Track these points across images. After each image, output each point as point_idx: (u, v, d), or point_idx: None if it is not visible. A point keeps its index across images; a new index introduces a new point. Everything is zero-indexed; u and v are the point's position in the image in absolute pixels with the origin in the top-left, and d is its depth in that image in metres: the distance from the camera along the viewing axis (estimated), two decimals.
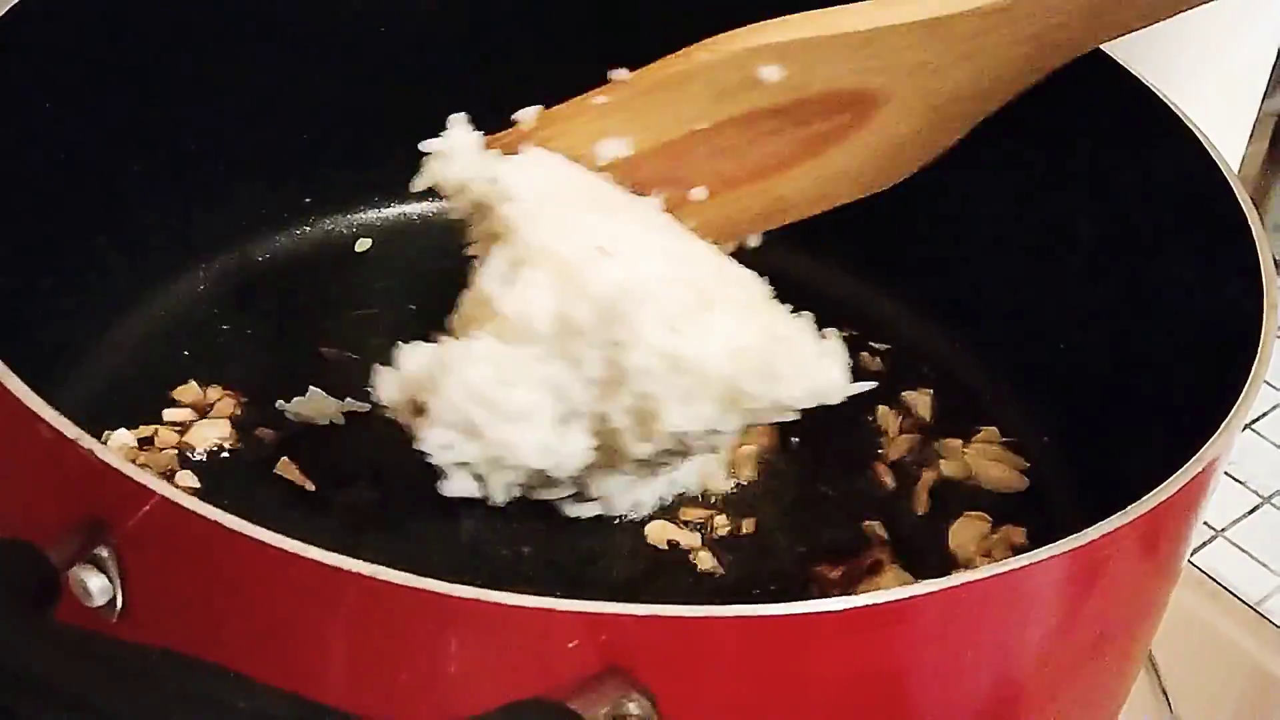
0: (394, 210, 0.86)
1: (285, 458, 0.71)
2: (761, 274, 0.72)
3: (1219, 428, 0.55)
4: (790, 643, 0.47)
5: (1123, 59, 0.73)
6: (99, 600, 0.48)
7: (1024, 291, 0.79)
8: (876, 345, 0.82)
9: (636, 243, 0.64)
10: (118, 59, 0.74)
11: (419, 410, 0.64)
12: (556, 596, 0.45)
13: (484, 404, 0.63)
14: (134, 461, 0.61)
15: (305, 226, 0.84)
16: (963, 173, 0.81)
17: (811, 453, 0.76)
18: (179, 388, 0.73)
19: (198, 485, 0.69)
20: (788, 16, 0.69)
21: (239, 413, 0.73)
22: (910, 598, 0.47)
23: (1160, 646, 0.74)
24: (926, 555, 0.71)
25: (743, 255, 0.74)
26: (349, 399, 0.72)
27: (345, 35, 0.82)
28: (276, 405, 0.69)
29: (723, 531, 0.70)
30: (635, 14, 0.84)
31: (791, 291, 0.82)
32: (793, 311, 0.79)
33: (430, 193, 0.86)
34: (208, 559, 0.47)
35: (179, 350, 0.76)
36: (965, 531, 0.72)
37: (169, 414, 0.72)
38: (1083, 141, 0.76)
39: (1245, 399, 0.56)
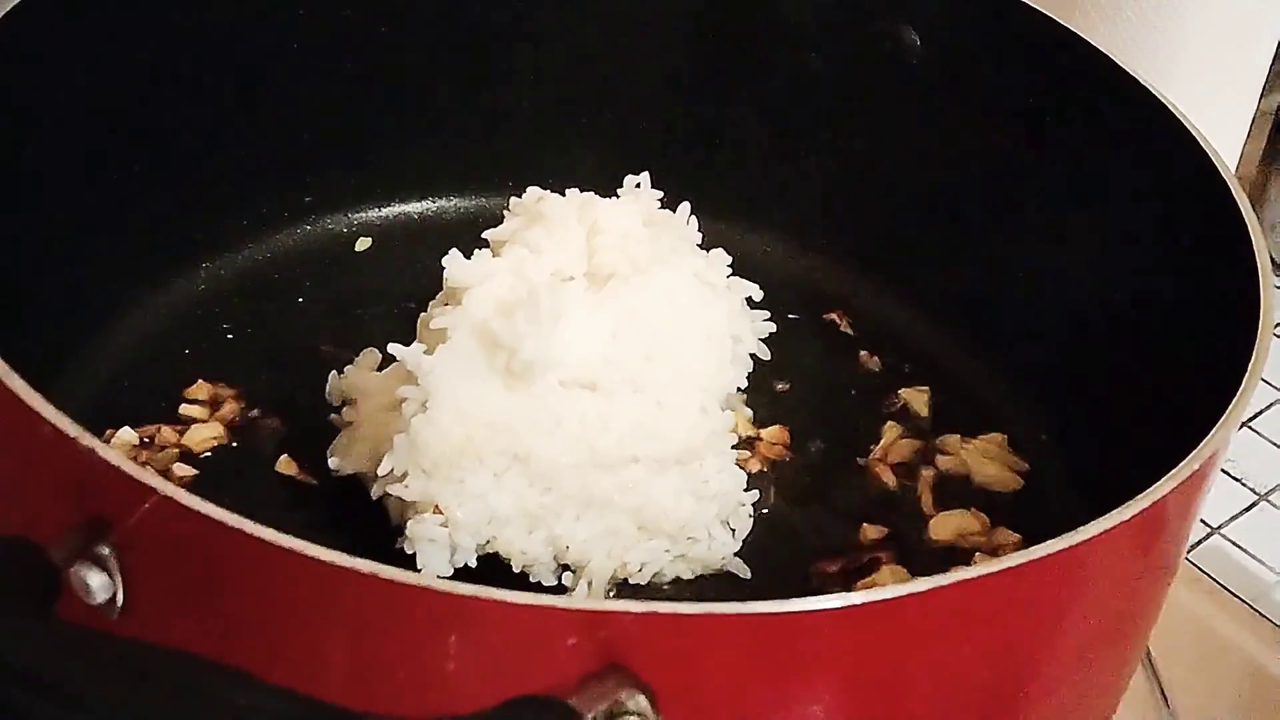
0: (394, 210, 0.86)
1: (286, 455, 0.71)
2: (762, 272, 0.73)
3: (1216, 424, 0.55)
4: (788, 639, 0.47)
5: (1121, 59, 0.73)
6: (100, 598, 0.48)
7: (1022, 290, 0.79)
8: (875, 343, 0.82)
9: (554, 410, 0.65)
10: (118, 59, 0.74)
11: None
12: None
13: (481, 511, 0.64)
14: (135, 460, 0.62)
15: (305, 226, 0.84)
16: (961, 173, 0.81)
17: (813, 451, 0.76)
18: (190, 386, 0.74)
19: (198, 483, 0.69)
20: None
21: (239, 411, 0.73)
22: (907, 595, 0.47)
23: (1158, 643, 0.74)
24: (925, 553, 0.72)
25: (743, 255, 0.74)
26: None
27: (346, 35, 0.82)
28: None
29: None
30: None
31: (791, 290, 0.82)
32: (791, 311, 0.80)
33: (430, 192, 0.87)
34: (208, 557, 0.47)
35: (179, 350, 0.76)
36: (947, 523, 0.72)
37: (177, 412, 0.72)
38: (1081, 141, 0.76)
39: (1242, 396, 0.56)
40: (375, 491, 0.66)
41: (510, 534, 0.65)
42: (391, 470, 0.64)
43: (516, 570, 0.65)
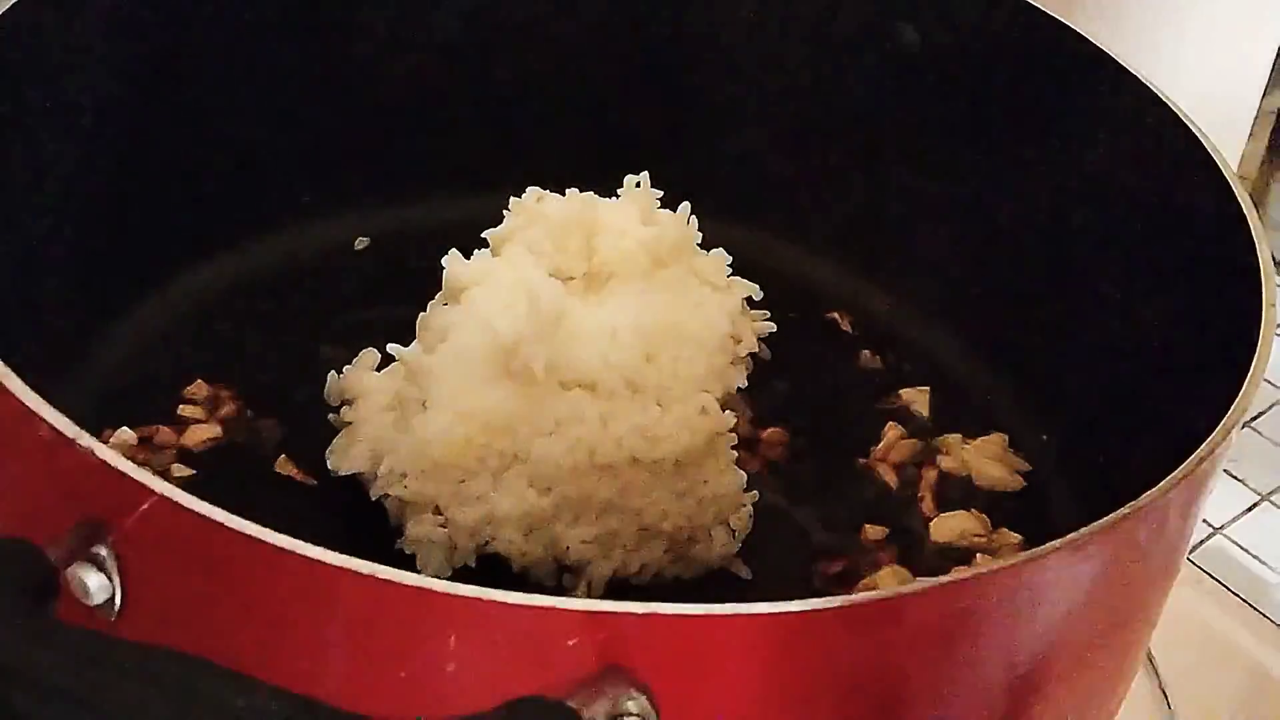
0: (394, 210, 0.86)
1: (285, 455, 0.71)
2: (762, 272, 0.73)
3: (1217, 425, 0.55)
4: (789, 640, 0.47)
5: (1123, 58, 0.73)
6: (98, 599, 0.48)
7: (1024, 290, 0.79)
8: (875, 343, 0.82)
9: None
10: (119, 61, 0.74)
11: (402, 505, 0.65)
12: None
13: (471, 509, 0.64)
14: (134, 460, 0.61)
15: (305, 226, 0.84)
16: (963, 173, 0.81)
17: (815, 451, 0.76)
18: (189, 386, 0.73)
19: (197, 483, 0.69)
20: None
21: (238, 411, 0.73)
22: (907, 595, 0.47)
23: (1159, 644, 0.74)
24: (926, 554, 0.72)
25: (743, 255, 0.74)
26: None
27: (345, 35, 0.82)
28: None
29: None
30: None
31: (791, 289, 0.82)
32: (791, 311, 0.80)
33: (430, 192, 0.87)
34: (207, 557, 0.47)
35: (179, 350, 0.76)
36: (948, 525, 0.72)
37: (176, 412, 0.72)
38: (1082, 140, 0.76)
39: (1244, 396, 0.56)
40: (375, 492, 0.66)
41: (510, 535, 0.64)
42: (391, 470, 0.64)
43: (516, 571, 0.65)
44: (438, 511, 0.64)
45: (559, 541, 0.65)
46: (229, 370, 0.75)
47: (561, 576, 0.66)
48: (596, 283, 0.67)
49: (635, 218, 0.69)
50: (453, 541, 0.64)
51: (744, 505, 0.69)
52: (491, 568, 0.65)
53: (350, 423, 0.69)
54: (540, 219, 0.69)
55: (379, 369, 0.70)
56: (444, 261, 0.67)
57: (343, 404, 0.70)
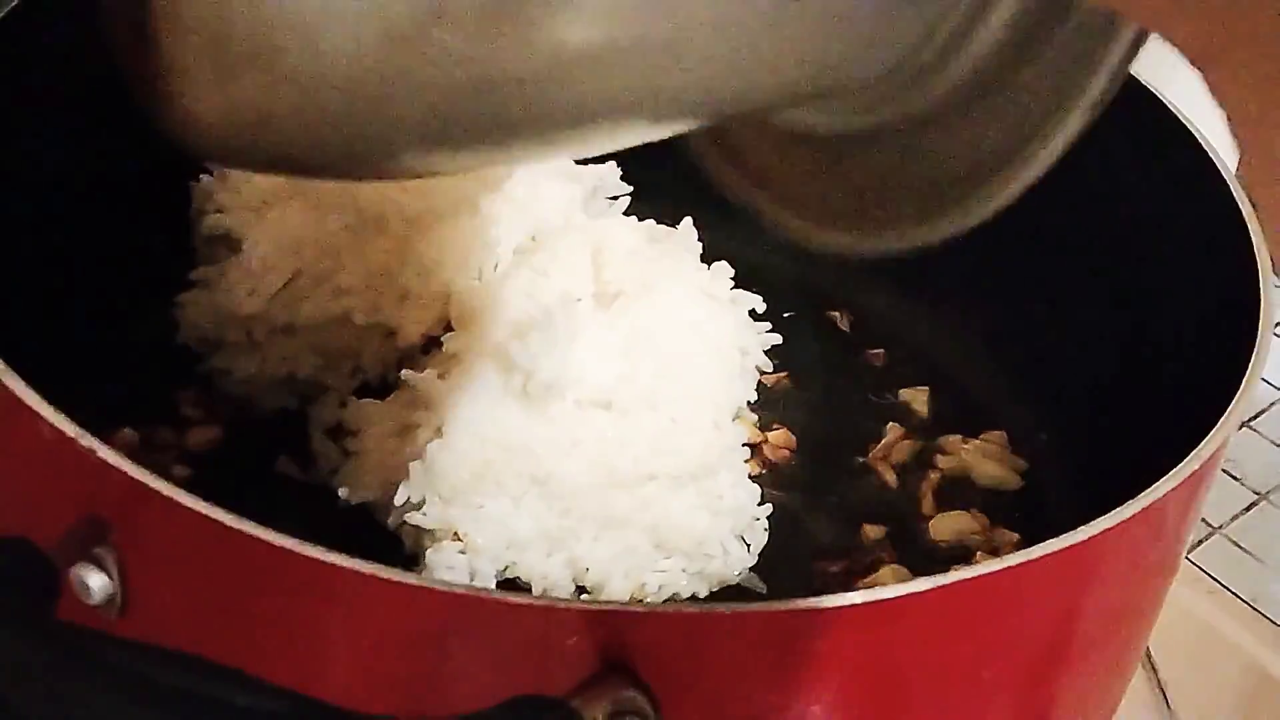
0: None
1: (286, 455, 0.71)
2: (763, 272, 0.73)
3: (1216, 424, 0.55)
4: (788, 639, 0.47)
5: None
6: (99, 598, 0.48)
7: (1022, 289, 0.79)
8: (876, 343, 0.82)
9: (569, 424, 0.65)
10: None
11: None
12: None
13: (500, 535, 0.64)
14: (134, 460, 0.62)
15: None
16: None
17: (815, 450, 0.76)
18: (190, 386, 0.73)
19: (198, 483, 0.69)
20: None
21: (239, 412, 0.73)
22: (908, 594, 0.47)
23: (1158, 643, 0.74)
24: (925, 553, 0.72)
25: (745, 259, 0.74)
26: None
27: None
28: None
29: None
30: None
31: (792, 289, 0.82)
32: (792, 311, 0.80)
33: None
34: (208, 557, 0.47)
35: (180, 350, 0.76)
36: (947, 524, 0.72)
37: (177, 412, 0.72)
38: (1083, 142, 0.75)
39: (1242, 396, 0.56)
40: (392, 521, 0.65)
41: (530, 558, 0.64)
42: (408, 499, 0.63)
43: (536, 594, 0.65)
44: (458, 538, 0.63)
45: (579, 562, 0.64)
46: (231, 369, 0.75)
47: (580, 599, 0.66)
48: (604, 302, 0.67)
49: (640, 235, 0.69)
50: (472, 566, 0.63)
51: (757, 519, 0.69)
52: (510, 590, 0.65)
53: (356, 452, 0.68)
54: (546, 241, 0.69)
55: (382, 396, 0.70)
56: (453, 284, 0.67)
57: (347, 434, 0.70)
